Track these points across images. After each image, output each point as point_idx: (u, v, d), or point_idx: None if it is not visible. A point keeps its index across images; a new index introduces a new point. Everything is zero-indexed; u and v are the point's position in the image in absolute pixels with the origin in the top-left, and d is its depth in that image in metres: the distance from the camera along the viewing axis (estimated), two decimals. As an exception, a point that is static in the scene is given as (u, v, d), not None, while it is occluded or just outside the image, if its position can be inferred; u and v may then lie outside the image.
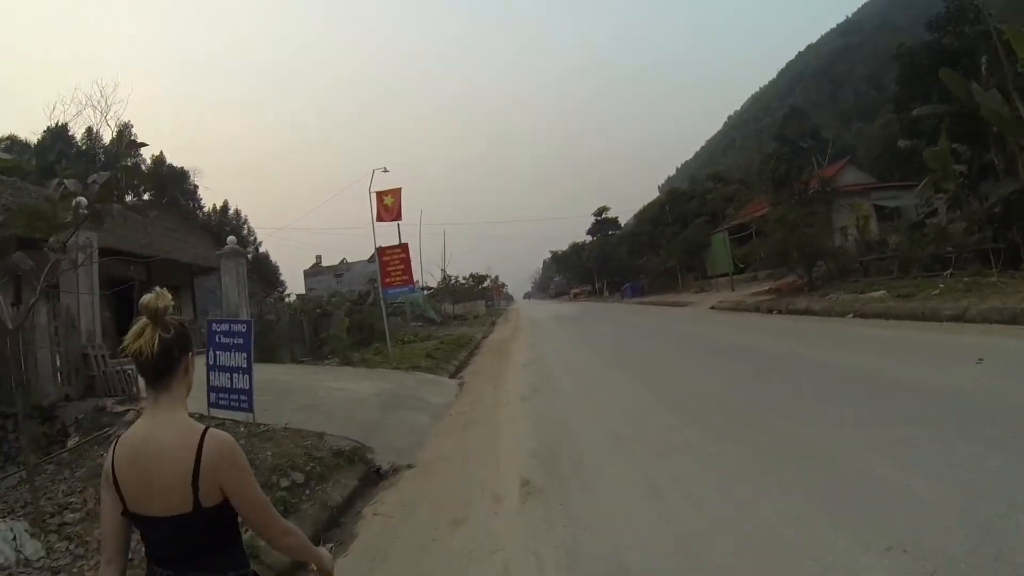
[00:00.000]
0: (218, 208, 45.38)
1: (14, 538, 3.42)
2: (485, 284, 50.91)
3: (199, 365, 1.99)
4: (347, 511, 4.48)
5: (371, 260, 21.79)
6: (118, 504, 1.38)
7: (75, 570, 3.28)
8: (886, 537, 2.68)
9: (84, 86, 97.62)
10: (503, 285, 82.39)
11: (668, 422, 5.51)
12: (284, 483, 4.51)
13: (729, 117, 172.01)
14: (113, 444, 1.41)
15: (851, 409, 4.90)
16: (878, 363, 6.90)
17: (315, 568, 1.59)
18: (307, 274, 49.48)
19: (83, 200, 3.92)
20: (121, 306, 10.23)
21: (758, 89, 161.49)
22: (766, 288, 21.03)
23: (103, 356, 8.08)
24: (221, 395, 5.87)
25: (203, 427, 1.39)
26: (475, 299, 43.97)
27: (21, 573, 3.22)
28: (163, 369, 1.39)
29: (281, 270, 52.89)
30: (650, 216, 48.54)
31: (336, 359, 12.08)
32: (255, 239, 50.84)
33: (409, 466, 5.46)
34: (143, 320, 1.38)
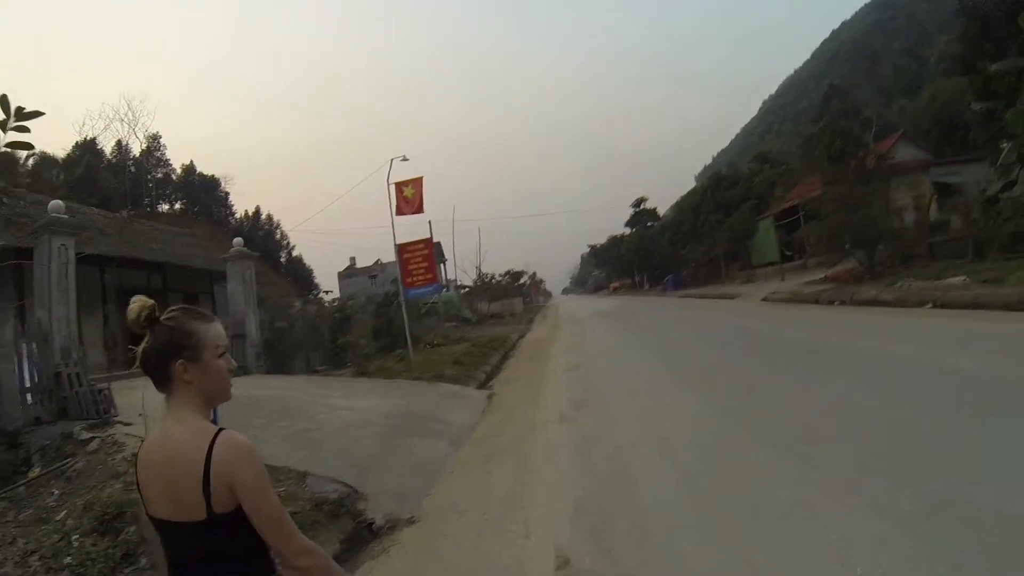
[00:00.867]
0: (250, 214, 45.65)
1: None
2: (522, 281, 49.48)
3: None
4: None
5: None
6: (142, 508, 1.34)
7: None
8: None
9: (111, 100, 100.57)
10: (541, 281, 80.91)
11: (769, 467, 3.89)
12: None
13: (764, 102, 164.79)
14: (139, 447, 1.40)
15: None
16: (1000, 365, 5.35)
17: None
18: (341, 276, 49.00)
19: None
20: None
21: (792, 72, 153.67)
22: (820, 277, 19.40)
23: (78, 374, 7.13)
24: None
25: (216, 428, 1.28)
26: (512, 296, 42.67)
27: None
28: (157, 375, 1.30)
29: (315, 273, 53.13)
30: (691, 205, 46.41)
31: (353, 368, 10.92)
32: (288, 243, 51.13)
33: (410, 520, 4.16)
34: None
